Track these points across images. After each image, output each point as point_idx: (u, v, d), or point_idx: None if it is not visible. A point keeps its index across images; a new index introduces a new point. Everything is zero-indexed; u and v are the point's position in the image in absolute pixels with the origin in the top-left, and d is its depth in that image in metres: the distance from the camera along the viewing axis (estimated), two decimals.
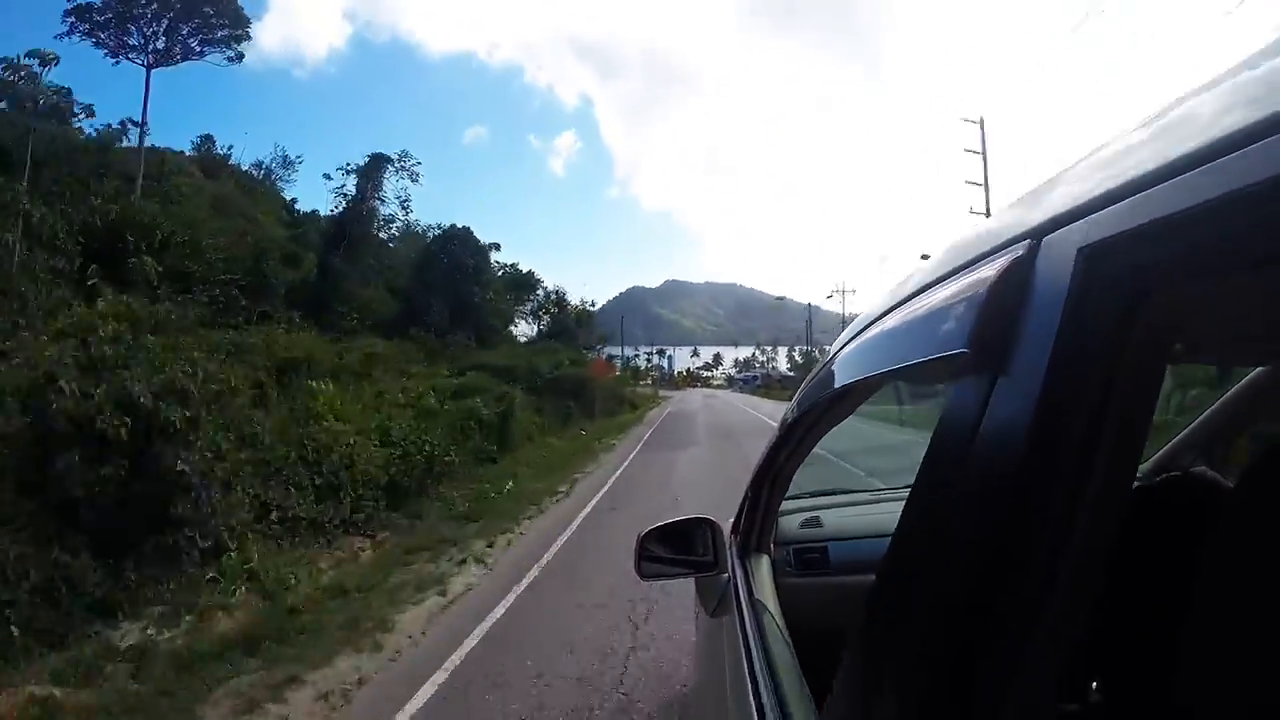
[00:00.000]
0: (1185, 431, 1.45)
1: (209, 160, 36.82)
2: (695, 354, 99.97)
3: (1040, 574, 0.39)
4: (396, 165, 25.42)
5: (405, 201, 26.05)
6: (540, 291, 34.62)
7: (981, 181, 18.85)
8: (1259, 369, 1.23)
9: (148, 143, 27.89)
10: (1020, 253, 0.47)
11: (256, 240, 19.95)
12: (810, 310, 40.77)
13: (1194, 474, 1.26)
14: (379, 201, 25.35)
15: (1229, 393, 1.35)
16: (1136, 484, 1.30)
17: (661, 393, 59.13)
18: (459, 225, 27.40)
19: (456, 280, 24.83)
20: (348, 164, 25.42)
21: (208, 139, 38.94)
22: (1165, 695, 0.52)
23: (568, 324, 34.18)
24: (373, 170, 25.05)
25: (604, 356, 36.87)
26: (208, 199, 24.75)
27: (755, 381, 77.97)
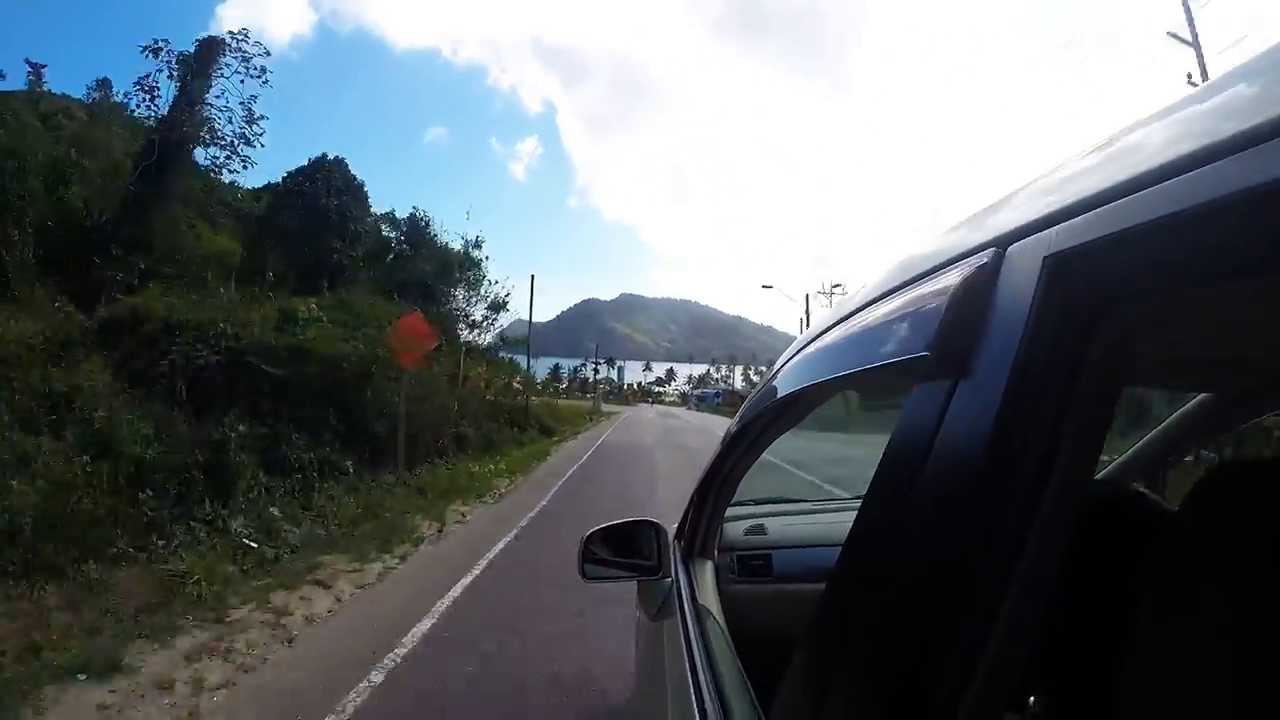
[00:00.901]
0: (1127, 454, 1.47)
1: (103, 106, 29.93)
2: (648, 368, 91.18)
3: (995, 580, 0.39)
4: (233, 49, 15.56)
5: (254, 116, 15.76)
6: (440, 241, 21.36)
7: (1189, 39, 11.61)
8: (1201, 395, 1.24)
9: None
10: (985, 260, 0.48)
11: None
12: (807, 303, 30.34)
13: (1132, 495, 1.20)
14: (214, 109, 15.57)
15: (1171, 417, 1.36)
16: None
17: (606, 408, 48.78)
18: (331, 157, 19.37)
19: (312, 229, 17.66)
20: (157, 41, 15.32)
21: (104, 83, 32.72)
22: (1101, 712, 0.52)
23: (420, 269, 20.49)
24: (202, 62, 15.39)
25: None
26: (67, 136, 17.60)
27: (716, 399, 68.04)
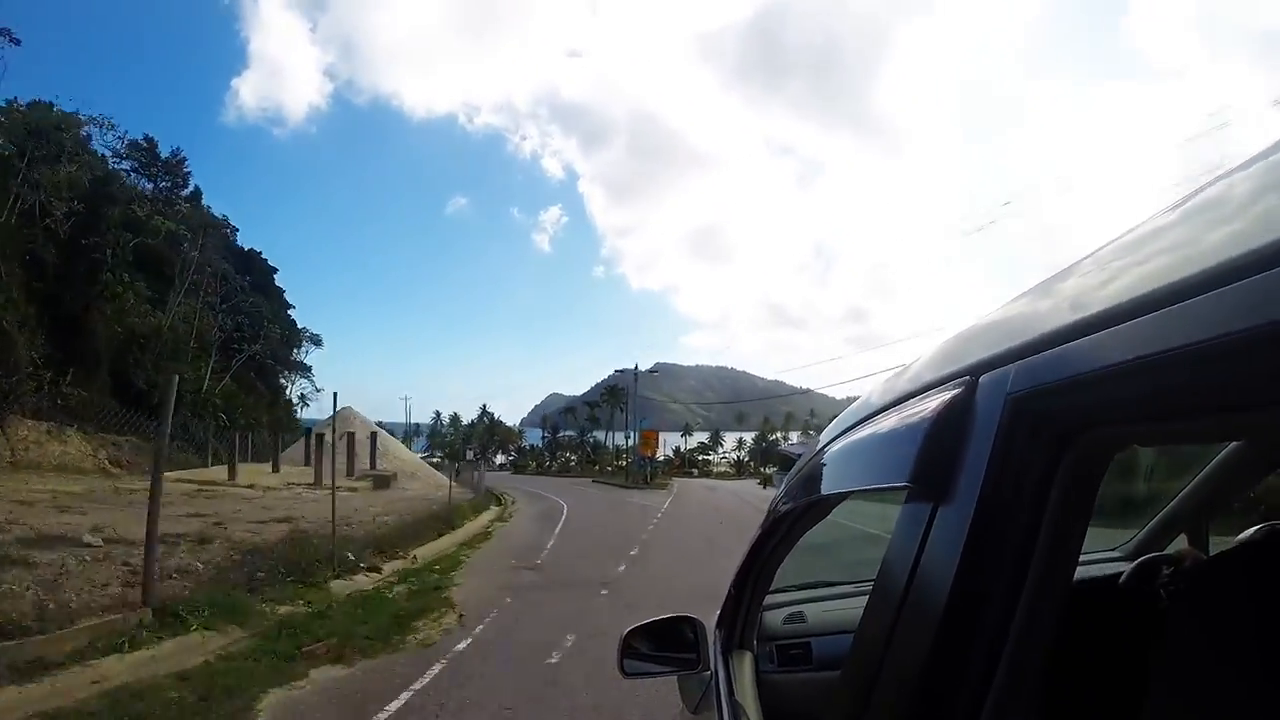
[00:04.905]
0: (1167, 509, 1.48)
1: None
2: (687, 433, 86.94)
3: (982, 673, 0.43)
4: None
5: None
6: None
7: None
8: (1232, 444, 1.24)
9: None
10: (958, 391, 0.51)
11: None
12: None
13: (1173, 555, 1.29)
14: None
15: (1207, 468, 1.36)
16: (1115, 566, 1.39)
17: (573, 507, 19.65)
18: None
19: None
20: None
21: None
22: None
23: None
24: None
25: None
26: None
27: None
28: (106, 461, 20.49)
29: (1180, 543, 1.47)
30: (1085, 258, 0.47)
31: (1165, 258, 0.35)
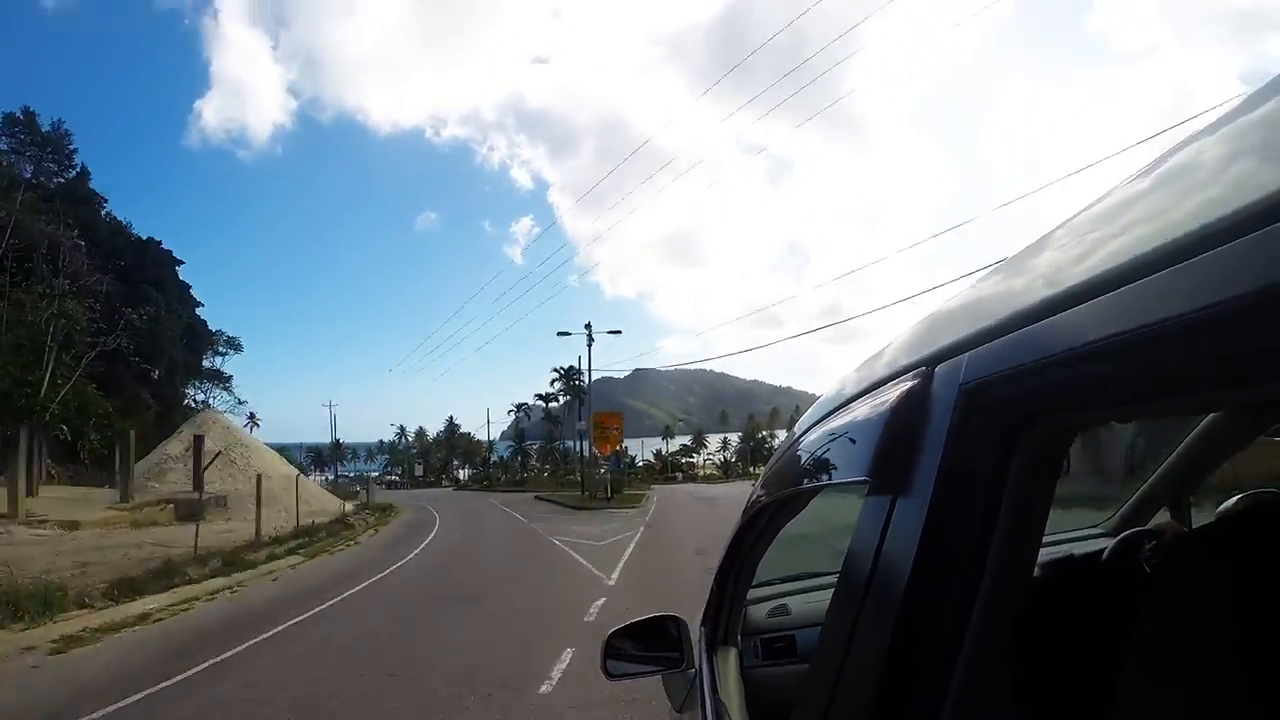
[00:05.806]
0: (1147, 484, 1.47)
1: None
2: (668, 434, 79.64)
3: (943, 660, 0.44)
4: None
5: None
6: None
7: None
8: (1211, 415, 1.23)
9: None
10: (914, 382, 0.52)
11: None
12: None
13: (1154, 529, 1.27)
14: None
15: (1186, 441, 1.36)
16: (1099, 543, 1.36)
17: None
18: None
19: None
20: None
21: None
22: None
23: None
24: None
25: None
26: None
27: None
28: None
29: (1162, 517, 1.44)
30: (1045, 236, 0.45)
31: (1124, 237, 0.34)
